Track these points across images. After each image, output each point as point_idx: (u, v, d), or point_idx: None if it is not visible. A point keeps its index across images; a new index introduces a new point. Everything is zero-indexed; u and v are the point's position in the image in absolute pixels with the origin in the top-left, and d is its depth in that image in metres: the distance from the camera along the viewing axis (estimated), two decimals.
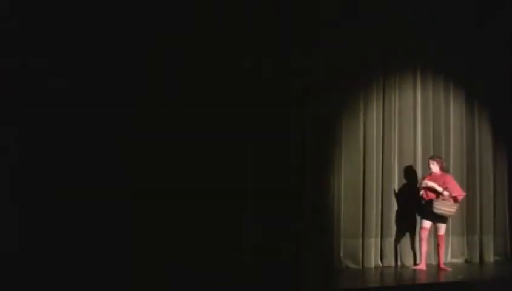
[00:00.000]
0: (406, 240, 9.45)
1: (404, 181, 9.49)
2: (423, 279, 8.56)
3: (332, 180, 8.84)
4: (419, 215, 9.20)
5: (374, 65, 9.37)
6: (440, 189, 8.87)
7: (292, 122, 8.52)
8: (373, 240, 9.09)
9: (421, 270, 8.95)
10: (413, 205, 9.26)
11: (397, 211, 9.39)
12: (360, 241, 8.99)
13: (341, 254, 8.86)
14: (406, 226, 9.42)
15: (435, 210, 8.79)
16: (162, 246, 7.45)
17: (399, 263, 9.37)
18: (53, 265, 6.88)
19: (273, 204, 8.20)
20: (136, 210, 7.38)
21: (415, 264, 9.31)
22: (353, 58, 9.06)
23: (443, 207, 8.80)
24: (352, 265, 8.92)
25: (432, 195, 8.95)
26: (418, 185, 9.18)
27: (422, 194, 9.06)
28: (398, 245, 9.40)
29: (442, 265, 9.09)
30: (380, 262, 9.21)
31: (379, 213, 9.23)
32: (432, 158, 9.25)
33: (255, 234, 8.06)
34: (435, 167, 9.10)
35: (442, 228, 9.04)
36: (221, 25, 8.02)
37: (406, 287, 7.97)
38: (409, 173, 9.52)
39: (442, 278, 8.56)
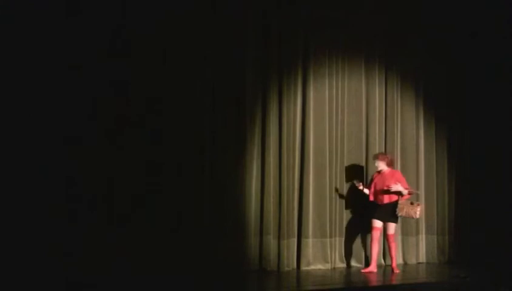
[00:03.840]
0: (355, 241, 9.16)
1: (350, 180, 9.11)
2: (373, 281, 8.11)
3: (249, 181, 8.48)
4: (369, 215, 8.68)
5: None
6: (405, 191, 8.54)
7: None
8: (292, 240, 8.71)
9: (371, 272, 8.51)
10: (361, 204, 8.89)
11: (347, 211, 9.13)
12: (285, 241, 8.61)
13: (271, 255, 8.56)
14: (355, 227, 9.11)
15: (418, 216, 8.54)
16: None
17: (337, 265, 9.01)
18: None
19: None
20: None
21: (366, 266, 8.87)
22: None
23: (417, 209, 8.47)
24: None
25: (385, 196, 8.55)
26: (360, 187, 8.70)
27: (369, 194, 8.68)
28: (345, 246, 9.09)
29: (395, 267, 8.67)
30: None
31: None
32: (375, 157, 8.75)
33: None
34: (381, 165, 8.65)
35: (392, 227, 8.62)
36: None
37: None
38: (356, 171, 9.16)
39: (395, 280, 8.17)
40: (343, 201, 9.10)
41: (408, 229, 9.54)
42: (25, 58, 7.34)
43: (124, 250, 7.63)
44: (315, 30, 9.02)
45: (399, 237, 9.48)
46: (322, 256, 8.89)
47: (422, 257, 9.71)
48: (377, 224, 8.56)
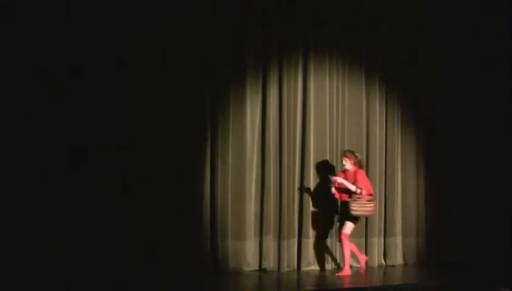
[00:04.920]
0: (323, 242, 8.87)
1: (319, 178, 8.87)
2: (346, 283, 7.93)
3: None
4: (337, 216, 8.55)
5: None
6: (352, 187, 8.21)
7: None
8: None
9: (346, 275, 8.24)
10: (330, 204, 8.64)
11: (313, 212, 8.79)
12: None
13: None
14: (323, 228, 8.82)
15: (352, 212, 8.14)
16: None
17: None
18: None
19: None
20: None
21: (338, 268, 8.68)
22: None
23: (359, 207, 8.15)
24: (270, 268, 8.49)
25: (345, 194, 8.34)
26: (330, 184, 8.41)
27: (334, 193, 8.44)
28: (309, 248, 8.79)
29: (346, 270, 8.32)
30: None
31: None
32: (343, 154, 8.52)
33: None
34: (347, 164, 8.38)
35: (348, 226, 8.23)
36: None
37: None
38: (325, 169, 8.81)
39: (393, 281, 8.04)
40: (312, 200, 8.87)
41: (408, 230, 9.54)
42: (25, 58, 7.34)
43: (123, 249, 7.65)
44: (315, 30, 9.02)
45: (399, 238, 9.48)
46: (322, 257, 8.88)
47: (422, 258, 9.67)
48: (340, 225, 8.41)
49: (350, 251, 8.44)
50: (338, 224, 8.58)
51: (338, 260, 8.91)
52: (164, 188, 7.98)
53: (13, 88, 7.30)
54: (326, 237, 8.91)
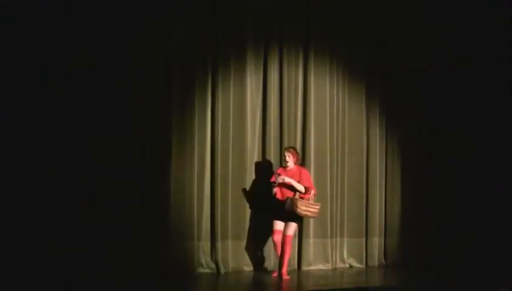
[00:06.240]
0: (261, 243, 8.56)
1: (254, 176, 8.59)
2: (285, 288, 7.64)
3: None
4: (272, 216, 8.01)
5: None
6: (301, 187, 7.79)
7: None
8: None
9: (285, 279, 7.86)
10: (266, 204, 8.22)
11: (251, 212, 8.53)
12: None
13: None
14: (260, 228, 8.46)
15: (300, 213, 7.67)
16: None
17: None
18: None
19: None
20: None
21: (279, 270, 8.03)
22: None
23: (306, 208, 7.71)
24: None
25: (289, 193, 7.88)
26: (274, 182, 7.93)
27: (275, 193, 7.96)
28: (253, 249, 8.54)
29: (284, 273, 7.87)
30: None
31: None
32: (287, 150, 8.04)
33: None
34: (291, 161, 7.95)
35: (291, 227, 7.85)
36: None
37: None
38: (264, 168, 8.54)
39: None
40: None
41: (408, 230, 9.54)
42: (25, 58, 7.34)
43: (123, 249, 7.66)
44: (315, 30, 9.05)
45: (399, 238, 9.48)
46: (323, 256, 8.88)
47: (422, 258, 9.63)
48: (279, 226, 7.93)
49: (290, 255, 8.07)
50: (278, 222, 7.98)
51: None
52: (164, 188, 7.98)
53: (13, 88, 7.29)
54: (265, 237, 8.52)
